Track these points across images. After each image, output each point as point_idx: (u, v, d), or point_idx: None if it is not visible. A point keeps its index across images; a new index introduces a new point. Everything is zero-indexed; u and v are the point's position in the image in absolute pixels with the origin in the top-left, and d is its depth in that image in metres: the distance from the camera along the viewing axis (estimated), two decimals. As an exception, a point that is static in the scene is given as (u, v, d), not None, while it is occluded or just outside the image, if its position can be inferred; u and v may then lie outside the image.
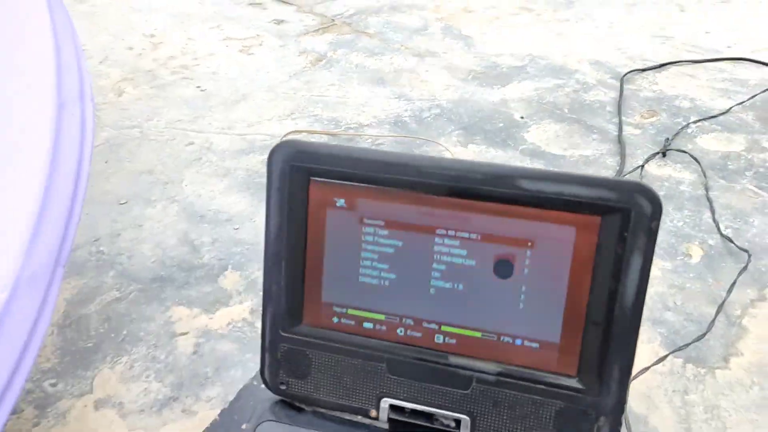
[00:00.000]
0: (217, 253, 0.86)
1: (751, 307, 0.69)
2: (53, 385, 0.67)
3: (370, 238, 0.46)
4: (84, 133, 0.63)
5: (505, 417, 0.46)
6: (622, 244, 0.41)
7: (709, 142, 1.02)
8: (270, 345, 0.50)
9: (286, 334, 0.49)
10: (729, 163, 0.97)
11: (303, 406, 0.51)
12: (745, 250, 0.75)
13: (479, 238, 0.44)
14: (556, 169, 0.41)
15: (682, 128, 1.02)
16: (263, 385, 0.51)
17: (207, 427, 0.58)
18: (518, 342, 0.45)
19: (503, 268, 0.44)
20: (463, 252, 0.45)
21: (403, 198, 0.45)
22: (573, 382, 0.44)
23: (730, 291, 0.70)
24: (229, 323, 0.74)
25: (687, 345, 0.65)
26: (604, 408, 0.43)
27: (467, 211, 0.44)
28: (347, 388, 0.49)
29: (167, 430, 0.62)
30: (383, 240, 0.46)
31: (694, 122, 1.03)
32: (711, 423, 0.60)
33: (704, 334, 0.66)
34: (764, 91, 1.10)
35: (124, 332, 0.74)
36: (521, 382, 0.45)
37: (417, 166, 0.44)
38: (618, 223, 0.41)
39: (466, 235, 0.44)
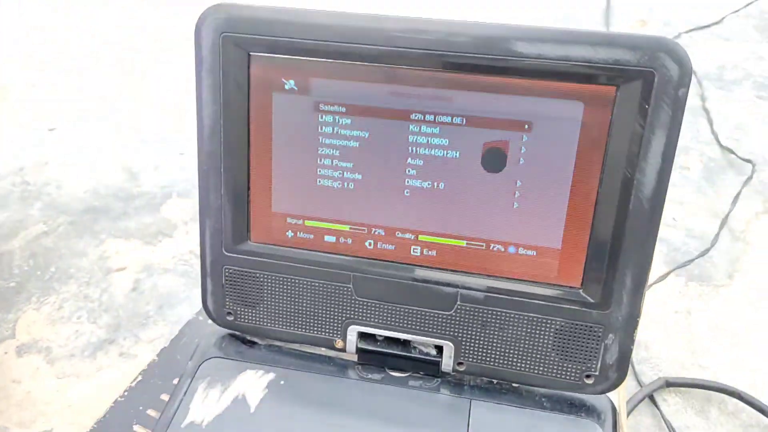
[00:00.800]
0: (159, 179, 0.76)
1: (756, 220, 0.63)
2: (-32, 331, 0.57)
3: (328, 129, 0.37)
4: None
5: (495, 340, 0.38)
6: (641, 120, 0.33)
7: (705, 52, 0.95)
8: (212, 269, 0.41)
9: (231, 254, 0.40)
10: (725, 73, 0.90)
11: (255, 339, 0.43)
12: (749, 161, 0.69)
13: (464, 122, 0.35)
14: (559, 26, 0.32)
15: (674, 38, 0.94)
16: (209, 319, 0.43)
17: (144, 369, 0.50)
18: (511, 250, 0.37)
19: (494, 159, 0.36)
20: (445, 141, 0.36)
21: (369, 74, 0.36)
22: (577, 294, 0.37)
23: (734, 203, 0.63)
24: (174, 256, 0.65)
25: (690, 261, 0.59)
26: (614, 323, 0.36)
27: (449, 87, 0.35)
28: (307, 316, 0.41)
29: (102, 376, 0.54)
30: (345, 131, 0.37)
31: (686, 32, 0.95)
32: (717, 342, 0.54)
33: (707, 250, 0.60)
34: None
35: (52, 269, 0.64)
36: (515, 298, 0.37)
37: (386, 31, 0.34)
38: (638, 92, 0.32)
39: (447, 119, 0.36)
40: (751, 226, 0.64)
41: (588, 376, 0.38)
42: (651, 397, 0.50)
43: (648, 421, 0.49)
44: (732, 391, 0.49)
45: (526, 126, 0.35)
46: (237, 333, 0.43)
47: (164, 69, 0.99)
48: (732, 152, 0.70)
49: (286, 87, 0.37)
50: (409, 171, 0.37)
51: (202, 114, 0.38)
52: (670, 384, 0.50)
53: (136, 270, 0.64)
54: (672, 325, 0.56)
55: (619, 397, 0.40)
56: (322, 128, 0.37)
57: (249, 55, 0.36)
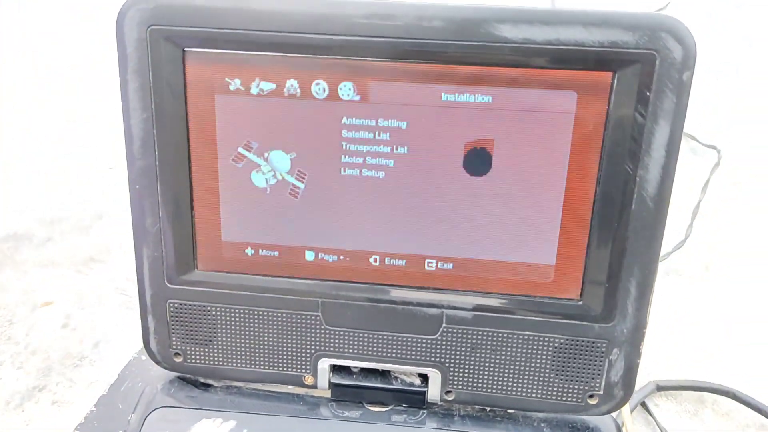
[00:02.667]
0: (87, 198, 0.68)
1: (726, 207, 0.62)
2: None
3: (283, 135, 0.32)
4: None
5: (487, 364, 0.34)
6: (642, 109, 0.29)
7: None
8: (153, 304, 0.35)
9: (175, 286, 0.34)
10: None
11: (209, 381, 0.37)
12: (713, 147, 0.68)
13: (440, 120, 0.31)
14: (545, 6, 0.28)
15: (661, 10, 0.91)
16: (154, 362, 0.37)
17: (81, 423, 0.43)
18: (501, 262, 0.33)
19: (477, 160, 0.31)
20: (420, 143, 0.31)
21: (328, 69, 0.30)
22: (576, 308, 0.33)
23: (704, 192, 0.62)
24: (109, 285, 0.58)
25: (666, 255, 0.56)
26: (619, 337, 0.33)
27: (422, 81, 0.30)
28: (269, 351, 0.35)
29: (33, 431, 0.46)
30: (303, 136, 0.32)
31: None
32: (701, 337, 0.52)
33: (682, 242, 0.58)
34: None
35: (-33, 310, 0.56)
36: (507, 316, 0.33)
37: (347, 18, 0.29)
38: (637, 77, 0.29)
39: (421, 118, 0.31)
40: (721, 215, 0.62)
41: (591, 396, 0.34)
42: (643, 403, 0.47)
43: (642, 430, 0.46)
44: (726, 391, 0.46)
45: (513, 121, 0.30)
46: (187, 375, 0.37)
47: (86, 73, 0.90)
48: (694, 139, 0.69)
49: (231, 87, 0.31)
50: (380, 177, 0.32)
51: (130, 123, 0.32)
52: (661, 388, 0.47)
53: (66, 303, 0.57)
54: (652, 321, 0.53)
55: (623, 415, 0.36)
56: (275, 134, 0.32)
57: (183, 51, 0.31)
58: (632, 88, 0.29)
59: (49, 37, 0.98)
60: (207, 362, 0.36)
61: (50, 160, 0.74)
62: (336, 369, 0.35)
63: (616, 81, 0.29)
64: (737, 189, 0.66)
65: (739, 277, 0.58)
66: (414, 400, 0.35)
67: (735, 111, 0.76)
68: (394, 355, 0.34)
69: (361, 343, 0.34)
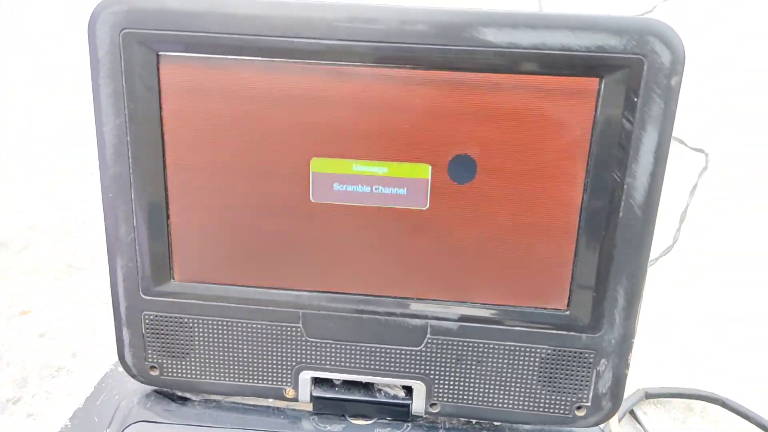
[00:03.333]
0: (66, 203, 0.67)
1: (713, 211, 0.62)
2: None
3: (261, 142, 0.31)
4: None
5: (472, 375, 0.33)
6: (630, 115, 0.28)
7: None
8: (128, 316, 0.34)
9: (150, 298, 0.33)
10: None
11: (187, 394, 0.36)
12: (700, 150, 0.67)
13: (425, 125, 0.30)
14: (530, 10, 0.27)
15: (648, 13, 0.91)
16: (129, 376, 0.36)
17: (55, 438, 0.42)
18: (486, 271, 0.32)
19: (462, 167, 0.30)
20: (403, 148, 0.30)
21: (308, 74, 0.29)
22: (563, 317, 0.32)
23: (691, 196, 0.61)
24: (88, 293, 0.57)
25: (654, 261, 0.56)
26: (606, 347, 0.32)
27: (405, 84, 0.29)
28: (249, 364, 0.34)
29: (7, 445, 0.45)
30: (282, 143, 0.31)
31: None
32: (689, 341, 0.52)
33: (671, 247, 0.57)
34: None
35: (-60, 319, 0.54)
36: (492, 326, 0.32)
37: (328, 21, 0.28)
38: (624, 83, 0.28)
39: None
40: (709, 218, 0.62)
41: (579, 408, 0.33)
42: (631, 411, 0.46)
43: (630, 439, 0.45)
44: (715, 399, 0.46)
45: (498, 127, 0.29)
46: (164, 389, 0.36)
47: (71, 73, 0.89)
48: (682, 142, 0.69)
49: (207, 93, 0.30)
50: (362, 185, 0.31)
51: (103, 130, 0.31)
52: (650, 395, 0.47)
53: (44, 312, 0.55)
54: (640, 326, 0.53)
55: (611, 424, 0.35)
56: (254, 141, 0.31)
57: (158, 55, 0.30)
58: (619, 93, 0.28)
59: (50, 37, 0.97)
60: (184, 375, 0.35)
61: (29, 165, 0.73)
62: (318, 381, 0.34)
63: (603, 86, 0.28)
64: (725, 193, 0.65)
65: (727, 281, 0.57)
66: (398, 412, 0.34)
67: (722, 115, 0.76)
68: (377, 367, 0.33)
69: (343, 355, 0.33)
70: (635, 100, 0.28)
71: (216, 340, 0.34)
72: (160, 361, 0.35)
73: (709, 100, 0.80)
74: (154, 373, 0.35)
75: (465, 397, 0.34)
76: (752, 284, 0.57)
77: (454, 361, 0.33)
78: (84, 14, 0.30)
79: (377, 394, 0.34)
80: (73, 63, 0.90)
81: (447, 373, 0.33)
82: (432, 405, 0.34)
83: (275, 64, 0.29)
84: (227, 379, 0.35)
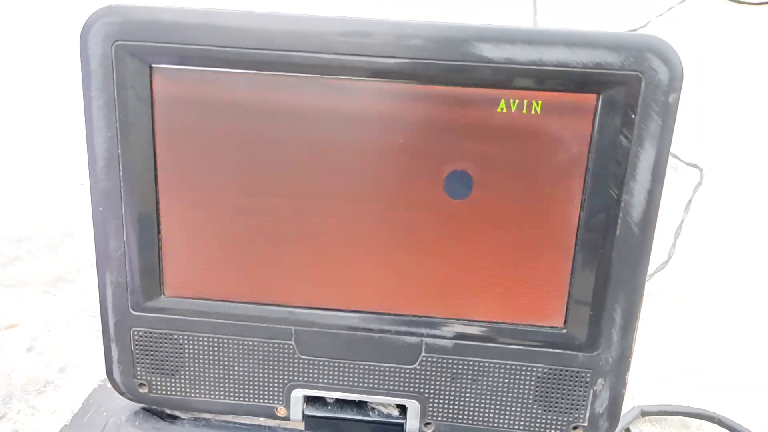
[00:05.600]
0: (57, 215, 0.66)
1: (708, 226, 0.62)
2: None
3: (255, 156, 0.30)
4: None
5: (467, 394, 0.33)
6: (627, 131, 0.28)
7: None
8: (117, 332, 0.33)
9: (140, 313, 0.33)
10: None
11: (176, 412, 0.35)
12: (695, 165, 0.67)
13: (422, 140, 0.30)
14: (527, 26, 0.27)
15: (640, 28, 0.91)
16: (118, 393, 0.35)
17: (40, 457, 0.41)
18: (481, 288, 0.31)
19: (458, 184, 0.30)
20: (400, 163, 0.30)
21: (302, 88, 0.29)
22: (559, 336, 0.31)
23: (686, 211, 0.61)
24: (77, 307, 0.56)
25: (649, 276, 0.56)
26: (604, 366, 0.31)
27: (400, 99, 0.29)
28: (240, 381, 0.33)
29: (-10, 463, 0.44)
30: (276, 157, 0.30)
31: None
32: (684, 359, 0.51)
33: (665, 263, 0.57)
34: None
35: (-75, 332, 0.53)
36: (488, 344, 0.32)
37: (322, 35, 0.28)
38: (622, 99, 0.28)
39: (400, 137, 0.30)
40: (705, 234, 0.62)
41: (575, 428, 0.33)
42: (627, 430, 0.46)
43: (626, 458, 0.45)
44: (711, 417, 0.45)
45: (495, 143, 0.29)
46: (153, 407, 0.35)
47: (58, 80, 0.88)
48: (676, 157, 0.69)
49: (201, 106, 0.30)
50: (357, 198, 0.31)
51: (94, 142, 0.30)
52: (645, 413, 0.46)
53: (31, 326, 0.54)
54: (636, 342, 0.52)
55: (608, 445, 0.35)
56: (247, 154, 0.30)
57: (151, 67, 0.29)
58: (617, 110, 0.28)
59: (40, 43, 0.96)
60: (174, 393, 0.34)
61: (18, 175, 0.72)
62: (310, 400, 0.34)
63: (600, 103, 0.28)
64: (720, 208, 0.65)
65: (723, 297, 0.57)
66: (392, 431, 0.34)
67: (716, 129, 0.77)
68: (370, 385, 0.33)
69: (336, 373, 0.33)
70: (633, 117, 0.28)
71: (206, 357, 0.33)
72: (149, 378, 0.34)
73: (704, 114, 0.80)
74: (143, 390, 0.34)
75: (460, 416, 0.33)
76: (748, 300, 0.57)
77: (449, 379, 0.32)
78: (76, 25, 0.29)
79: (371, 413, 0.34)
80: (64, 70, 0.89)
81: (442, 392, 0.33)
82: (426, 424, 0.33)
83: (269, 78, 0.29)
84: (217, 397, 0.34)
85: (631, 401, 0.48)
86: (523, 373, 0.32)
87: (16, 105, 0.85)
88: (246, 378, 0.33)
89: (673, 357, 0.52)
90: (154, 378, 0.34)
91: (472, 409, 0.33)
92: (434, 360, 0.32)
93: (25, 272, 0.59)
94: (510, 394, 0.32)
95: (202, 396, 0.34)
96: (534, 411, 0.32)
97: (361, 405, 0.34)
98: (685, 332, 0.54)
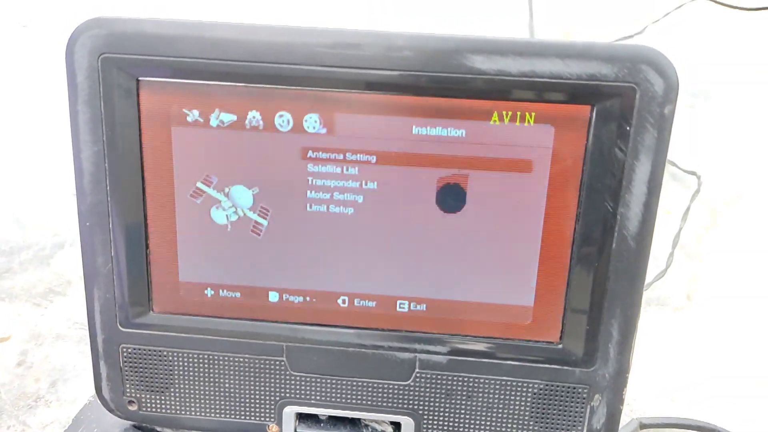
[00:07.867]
0: (48, 226, 0.66)
1: (707, 235, 0.61)
2: None
3: (244, 170, 0.30)
4: None
5: (462, 411, 0.32)
6: (622, 144, 0.28)
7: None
8: (105, 349, 0.33)
9: (129, 330, 0.32)
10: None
11: (166, 430, 0.35)
12: (692, 173, 0.67)
13: (412, 154, 0.29)
14: (520, 37, 0.27)
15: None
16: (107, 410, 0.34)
17: (28, 475, 0.40)
18: (476, 303, 0.31)
19: (450, 197, 0.29)
20: (391, 178, 0.30)
21: (292, 102, 0.29)
22: (556, 351, 0.31)
23: (684, 219, 0.61)
24: (68, 320, 0.55)
25: (648, 285, 0.55)
26: (600, 382, 0.31)
27: (391, 113, 0.28)
28: (231, 399, 0.33)
29: (-21, 481, 0.43)
30: (266, 171, 0.30)
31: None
32: (683, 370, 0.51)
33: (663, 272, 0.56)
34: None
35: None
36: (483, 360, 0.31)
37: (310, 47, 0.28)
38: (617, 111, 0.27)
39: (391, 152, 0.29)
40: (703, 242, 0.61)
41: (573, 445, 0.32)
42: (625, 443, 0.45)
43: (625, 472, 0.44)
44: (711, 429, 0.45)
45: (488, 156, 0.29)
46: (143, 424, 0.35)
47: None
48: (674, 164, 0.68)
49: (189, 119, 0.29)
50: (348, 214, 0.30)
51: (80, 157, 0.30)
52: (644, 426, 0.45)
53: (22, 339, 0.54)
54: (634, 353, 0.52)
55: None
56: (237, 168, 0.30)
57: (138, 80, 0.29)
58: (612, 122, 0.27)
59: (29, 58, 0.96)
60: (164, 410, 0.33)
61: (8, 185, 0.71)
62: (302, 417, 0.33)
63: (594, 115, 0.28)
64: (719, 216, 0.65)
65: (722, 306, 0.57)
66: (386, 449, 0.33)
67: (714, 137, 0.76)
68: (364, 402, 0.32)
69: (329, 390, 0.32)
70: (628, 129, 0.27)
71: (196, 374, 0.32)
72: (138, 395, 0.33)
73: (702, 120, 0.80)
74: (133, 408, 0.33)
75: (455, 433, 0.32)
76: (748, 309, 0.56)
77: (443, 396, 0.32)
78: (62, 39, 0.29)
79: (364, 430, 0.33)
80: (57, 80, 0.89)
81: (436, 409, 0.32)
82: (421, 441, 0.33)
83: (257, 90, 0.28)
84: (208, 414, 0.33)
85: (629, 413, 0.48)
86: (519, 389, 0.31)
87: (8, 114, 0.84)
88: (237, 395, 0.33)
89: (671, 366, 0.52)
90: (143, 395, 0.33)
91: (467, 425, 0.32)
92: (428, 376, 0.32)
93: (16, 285, 0.59)
94: (506, 411, 0.32)
95: (193, 413, 0.33)
96: (530, 428, 0.32)
97: (354, 422, 0.33)
98: (682, 342, 0.53)
